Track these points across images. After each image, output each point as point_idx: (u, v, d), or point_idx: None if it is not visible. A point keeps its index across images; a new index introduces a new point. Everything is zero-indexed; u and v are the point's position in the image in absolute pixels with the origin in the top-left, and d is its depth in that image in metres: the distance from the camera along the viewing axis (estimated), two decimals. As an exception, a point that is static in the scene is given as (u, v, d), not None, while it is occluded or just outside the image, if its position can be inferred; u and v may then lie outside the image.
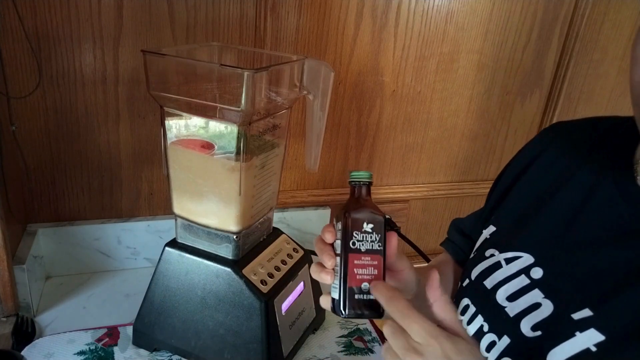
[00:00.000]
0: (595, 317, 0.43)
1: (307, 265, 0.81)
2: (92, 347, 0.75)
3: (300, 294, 0.78)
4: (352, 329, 0.86)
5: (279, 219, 1.05)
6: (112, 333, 0.78)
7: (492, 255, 0.56)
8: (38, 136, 0.84)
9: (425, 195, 1.19)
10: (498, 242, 0.57)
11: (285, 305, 0.73)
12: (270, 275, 0.72)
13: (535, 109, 1.21)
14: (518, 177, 0.62)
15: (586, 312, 0.44)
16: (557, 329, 0.45)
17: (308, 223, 1.09)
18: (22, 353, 0.71)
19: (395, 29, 0.99)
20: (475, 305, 0.55)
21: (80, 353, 0.74)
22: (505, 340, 0.49)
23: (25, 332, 0.76)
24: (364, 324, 0.88)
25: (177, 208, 0.73)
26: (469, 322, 0.54)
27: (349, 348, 0.81)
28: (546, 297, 0.48)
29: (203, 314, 0.70)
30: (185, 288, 0.71)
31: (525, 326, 0.48)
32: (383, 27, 0.98)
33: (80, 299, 0.87)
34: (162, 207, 0.97)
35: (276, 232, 0.81)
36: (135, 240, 0.95)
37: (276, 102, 0.69)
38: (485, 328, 0.52)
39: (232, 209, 0.68)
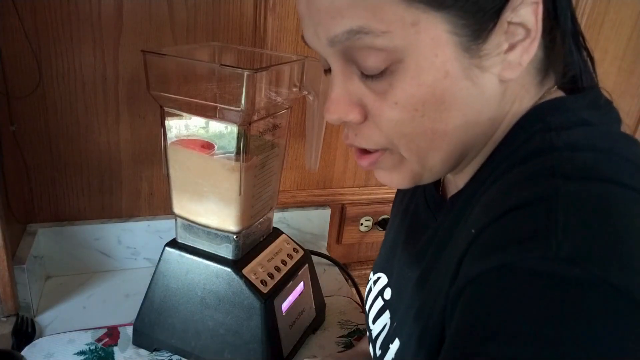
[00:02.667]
0: (397, 325, 0.45)
1: (307, 265, 0.81)
2: (92, 347, 0.75)
3: (300, 294, 0.78)
4: (352, 329, 0.86)
5: (279, 219, 1.05)
6: (112, 333, 0.78)
7: (370, 278, 0.58)
8: (38, 136, 0.84)
9: (425, 195, 1.19)
10: (375, 264, 0.59)
11: (285, 305, 0.73)
12: (270, 275, 0.72)
13: (535, 109, 1.21)
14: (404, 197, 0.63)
15: (395, 323, 0.46)
16: (385, 346, 0.47)
17: (308, 223, 1.09)
18: (22, 353, 0.71)
19: (395, 29, 0.99)
20: (369, 332, 0.55)
21: (80, 353, 0.74)
22: None
23: (25, 332, 0.76)
24: (364, 324, 0.88)
25: (177, 208, 0.73)
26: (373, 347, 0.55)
27: (349, 348, 0.81)
28: (391, 317, 0.49)
29: (203, 314, 0.70)
30: (185, 288, 0.71)
31: (377, 346, 0.49)
32: (383, 27, 0.98)
33: (80, 299, 0.87)
34: (162, 207, 0.97)
35: (276, 232, 0.81)
36: (135, 240, 0.95)
37: (276, 102, 0.70)
38: (376, 352, 0.52)
39: (232, 209, 0.68)
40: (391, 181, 0.42)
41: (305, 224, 1.09)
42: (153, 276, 0.73)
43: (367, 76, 0.36)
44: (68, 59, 0.81)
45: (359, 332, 0.86)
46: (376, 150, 0.40)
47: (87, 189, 0.91)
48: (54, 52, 0.80)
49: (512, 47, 0.35)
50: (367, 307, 0.55)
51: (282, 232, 0.82)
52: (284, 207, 1.07)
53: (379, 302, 0.52)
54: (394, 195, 1.15)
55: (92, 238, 0.92)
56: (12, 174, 0.82)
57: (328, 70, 0.41)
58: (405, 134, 0.37)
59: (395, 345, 0.44)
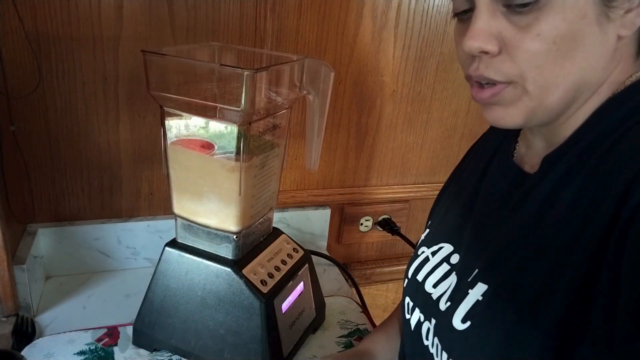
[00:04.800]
0: (480, 272, 0.49)
1: (307, 265, 0.81)
2: (92, 347, 0.75)
3: (300, 294, 0.78)
4: (352, 329, 0.86)
5: (279, 219, 1.05)
6: (112, 333, 0.78)
7: (423, 252, 0.61)
8: (38, 136, 0.84)
9: (425, 195, 1.19)
10: (428, 240, 0.62)
11: (285, 305, 0.73)
12: (270, 275, 0.72)
13: (535, 109, 1.21)
14: (451, 181, 0.68)
15: (475, 272, 0.49)
16: (457, 295, 0.50)
17: (308, 223, 1.09)
18: (22, 353, 0.71)
19: (395, 29, 0.99)
20: (412, 300, 0.59)
21: (80, 353, 0.74)
22: (433, 322, 0.54)
23: (25, 332, 0.76)
24: (364, 324, 0.88)
25: (177, 208, 0.73)
26: (411, 317, 0.59)
27: (349, 348, 0.81)
28: (455, 275, 0.53)
29: (203, 314, 0.70)
30: (185, 288, 0.71)
31: (442, 303, 0.53)
32: (383, 27, 0.98)
33: (80, 299, 0.87)
34: (162, 207, 0.97)
35: (276, 232, 0.81)
36: (135, 240, 0.95)
37: (276, 102, 0.70)
38: (422, 318, 0.56)
39: (232, 209, 0.68)
40: (505, 116, 0.46)
41: (305, 224, 1.09)
42: (153, 276, 0.73)
43: (513, 11, 0.41)
44: (68, 59, 0.81)
45: (359, 332, 0.86)
46: (500, 84, 0.44)
47: (87, 189, 0.91)
48: (54, 52, 0.80)
49: (629, 10, 0.41)
50: (422, 275, 0.58)
51: (282, 232, 0.82)
52: (284, 207, 1.07)
53: (444, 268, 0.56)
54: (394, 196, 1.15)
55: (92, 238, 0.92)
56: (12, 174, 0.82)
57: (460, 13, 0.46)
58: (537, 65, 0.41)
59: (478, 290, 0.48)
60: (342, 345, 0.82)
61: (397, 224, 1.17)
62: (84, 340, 0.76)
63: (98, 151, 0.88)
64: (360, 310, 0.92)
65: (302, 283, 0.79)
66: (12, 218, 0.80)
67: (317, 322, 0.84)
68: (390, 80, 1.04)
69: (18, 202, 0.85)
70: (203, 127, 0.68)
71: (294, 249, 0.80)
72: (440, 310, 0.53)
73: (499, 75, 0.43)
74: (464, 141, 1.17)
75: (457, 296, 0.51)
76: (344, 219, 1.14)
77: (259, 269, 0.72)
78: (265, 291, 0.69)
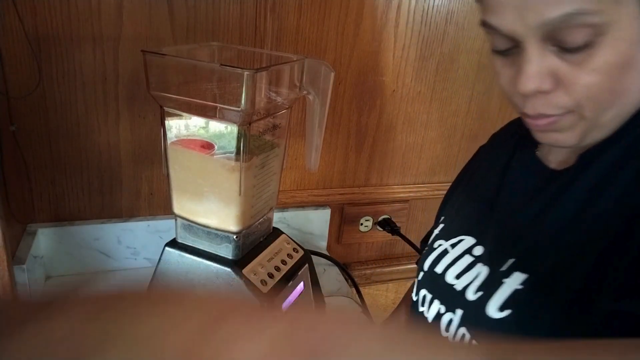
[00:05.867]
0: (517, 262, 0.49)
1: (307, 265, 0.80)
2: (92, 347, 0.75)
3: (300, 294, 0.77)
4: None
5: (279, 219, 1.05)
6: (112, 333, 0.78)
7: (440, 245, 0.62)
8: (38, 136, 0.84)
9: (425, 195, 1.19)
10: (445, 234, 0.63)
11: (285, 305, 0.73)
12: (270, 275, 0.72)
13: (535, 109, 1.21)
14: (464, 176, 0.70)
15: (510, 262, 0.50)
16: (491, 284, 0.51)
17: (308, 223, 1.09)
18: (22, 353, 0.71)
19: (395, 29, 0.99)
20: (430, 292, 0.60)
21: (80, 353, 0.74)
22: (459, 313, 0.54)
23: (25, 332, 0.76)
24: (364, 324, 0.88)
25: (177, 208, 0.73)
26: (429, 310, 0.59)
27: (349, 348, 0.81)
28: (484, 264, 0.54)
29: (203, 314, 0.70)
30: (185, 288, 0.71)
31: (470, 293, 0.53)
32: (383, 27, 0.98)
33: (80, 299, 0.87)
34: (162, 207, 0.97)
35: (276, 232, 0.81)
36: (135, 240, 0.95)
37: (276, 102, 0.70)
38: (442, 310, 0.57)
39: (232, 209, 0.68)
40: (561, 139, 0.47)
41: (305, 224, 1.09)
42: (153, 276, 0.73)
43: (566, 50, 0.42)
44: (68, 59, 0.81)
45: (359, 332, 0.85)
46: (556, 115, 0.46)
47: (87, 189, 0.91)
48: (54, 52, 0.80)
49: None
50: (441, 268, 0.59)
51: (282, 232, 0.82)
52: (284, 207, 1.07)
53: (467, 259, 0.57)
54: (394, 196, 1.15)
55: (92, 238, 0.92)
56: (12, 174, 0.82)
57: (502, 52, 0.47)
58: (593, 96, 0.43)
59: (515, 279, 0.48)
60: (342, 345, 0.82)
61: (397, 224, 1.17)
62: (84, 340, 0.76)
63: (98, 151, 0.88)
64: (360, 310, 0.92)
65: (302, 283, 0.79)
66: (12, 218, 0.80)
67: (317, 322, 0.84)
68: (390, 80, 1.04)
69: (18, 202, 0.85)
70: (203, 127, 0.68)
71: (294, 249, 0.80)
72: (468, 300, 0.53)
73: (557, 110, 0.45)
74: (464, 141, 1.17)
75: (489, 285, 0.51)
76: (344, 219, 1.14)
77: (259, 269, 0.72)
78: (265, 291, 0.69)
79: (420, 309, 0.61)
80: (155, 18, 0.83)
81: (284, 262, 0.76)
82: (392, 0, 0.96)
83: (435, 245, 0.63)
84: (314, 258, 0.88)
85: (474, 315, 0.52)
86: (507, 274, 0.49)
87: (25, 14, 0.76)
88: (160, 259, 0.73)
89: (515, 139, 0.60)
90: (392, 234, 1.16)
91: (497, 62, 0.48)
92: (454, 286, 0.56)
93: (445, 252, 0.60)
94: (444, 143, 1.16)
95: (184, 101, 0.65)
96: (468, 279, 0.55)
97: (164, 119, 0.68)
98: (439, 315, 0.57)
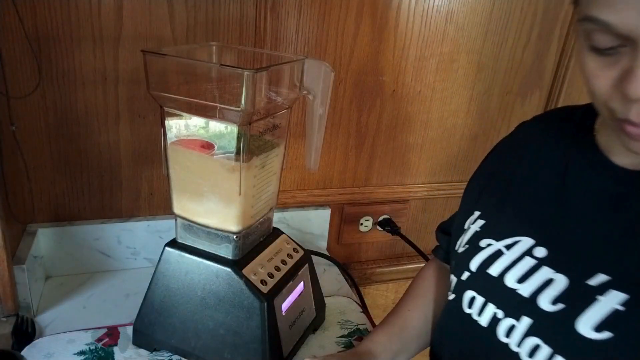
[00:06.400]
0: (613, 279, 0.46)
1: (307, 265, 0.81)
2: (92, 347, 0.75)
3: (300, 294, 0.78)
4: (352, 329, 0.86)
5: (279, 219, 1.05)
6: (112, 333, 0.78)
7: (489, 244, 0.58)
8: (38, 136, 0.84)
9: (425, 195, 1.20)
10: (492, 232, 0.59)
11: (285, 305, 0.73)
12: (270, 275, 0.72)
13: (535, 109, 1.21)
14: (497, 169, 0.65)
15: (601, 277, 0.47)
16: (577, 298, 0.47)
17: (308, 223, 1.09)
18: (22, 353, 0.71)
19: (395, 29, 0.99)
20: (482, 295, 0.56)
21: (80, 353, 0.74)
22: (526, 321, 0.50)
23: (25, 332, 0.76)
24: (364, 324, 0.88)
25: (177, 208, 0.73)
26: (480, 313, 0.55)
27: (349, 348, 0.81)
28: (557, 271, 0.50)
29: (203, 314, 0.70)
30: (185, 288, 0.71)
31: (544, 302, 0.50)
32: (383, 27, 0.98)
33: (80, 299, 0.87)
34: (162, 207, 0.97)
35: (276, 232, 0.81)
36: (135, 240, 0.95)
37: (276, 102, 0.70)
38: (500, 314, 0.53)
39: (232, 209, 0.68)
40: None
41: (305, 224, 1.09)
42: (153, 276, 0.73)
43: None
44: (68, 59, 0.81)
45: (359, 332, 0.86)
46: None
47: (87, 189, 0.91)
48: (54, 52, 0.80)
49: None
50: (497, 270, 0.55)
51: (282, 232, 0.82)
52: (284, 207, 1.07)
53: (528, 261, 0.53)
54: (394, 196, 1.15)
55: (92, 238, 0.92)
56: (12, 174, 0.82)
57: (602, 50, 0.42)
58: None
59: (613, 298, 0.45)
60: (342, 345, 0.82)
61: (397, 224, 1.17)
62: (84, 340, 0.76)
63: (98, 151, 0.88)
64: (360, 310, 0.92)
65: (302, 283, 0.79)
66: (12, 218, 0.80)
67: (317, 322, 0.84)
68: (390, 80, 1.04)
69: (18, 202, 0.85)
70: (203, 127, 0.68)
71: (294, 249, 0.80)
72: (542, 309, 0.50)
73: None
74: (464, 141, 1.17)
75: (575, 299, 0.48)
76: (344, 219, 1.14)
77: (259, 269, 0.72)
78: (265, 291, 0.69)
79: (467, 310, 0.57)
80: (155, 18, 0.83)
81: (284, 262, 0.76)
82: (392, 0, 0.96)
83: (482, 244, 0.59)
84: (314, 258, 0.88)
85: (556, 329, 0.48)
86: (601, 290, 0.46)
87: (25, 14, 0.76)
88: (160, 259, 0.73)
89: (567, 138, 0.57)
90: (392, 234, 1.16)
91: (593, 62, 0.44)
92: (517, 291, 0.52)
93: (499, 253, 0.56)
94: (444, 143, 1.16)
95: (184, 101, 0.65)
96: (535, 284, 0.51)
97: (164, 119, 0.68)
98: (495, 320, 0.54)
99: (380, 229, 1.17)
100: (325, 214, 1.10)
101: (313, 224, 1.10)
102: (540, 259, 0.53)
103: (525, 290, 0.52)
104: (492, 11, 1.05)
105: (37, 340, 0.75)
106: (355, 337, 0.84)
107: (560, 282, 0.50)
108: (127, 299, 0.88)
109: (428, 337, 0.72)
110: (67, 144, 0.86)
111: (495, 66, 1.11)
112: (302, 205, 1.08)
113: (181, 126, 0.69)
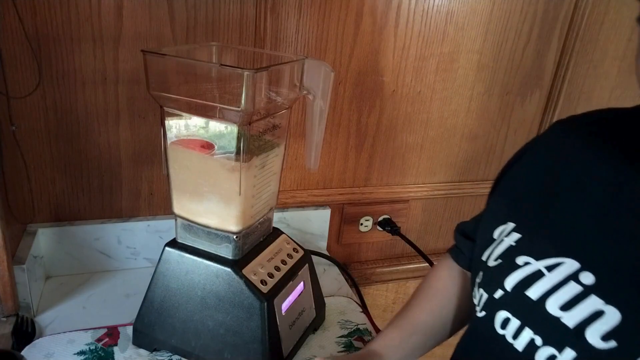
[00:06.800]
0: None
1: (307, 265, 0.81)
2: (92, 347, 0.75)
3: (300, 294, 0.78)
4: (352, 329, 0.86)
5: (279, 219, 1.05)
6: (112, 333, 0.78)
7: (527, 263, 0.53)
8: (38, 136, 0.84)
9: (425, 195, 1.20)
10: (530, 249, 0.54)
11: (285, 305, 0.73)
12: (270, 275, 0.72)
13: (535, 109, 1.21)
14: (534, 176, 0.59)
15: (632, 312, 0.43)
16: (633, 337, 0.43)
17: (308, 223, 1.09)
18: (22, 353, 0.71)
19: (395, 29, 0.99)
20: (519, 318, 0.52)
21: (80, 353, 0.74)
22: (570, 353, 0.46)
23: (25, 332, 0.76)
24: (364, 324, 0.88)
25: (177, 208, 0.73)
26: (515, 336, 0.51)
27: (349, 348, 0.81)
28: (608, 303, 0.45)
29: (203, 314, 0.70)
30: (185, 288, 0.71)
31: (593, 337, 0.45)
32: (383, 27, 0.98)
33: (80, 299, 0.87)
34: (162, 207, 0.97)
35: (276, 232, 0.81)
36: (135, 240, 0.95)
37: (276, 102, 0.69)
38: (538, 341, 0.49)
39: (232, 209, 0.68)
40: None
41: (305, 224, 1.09)
42: (153, 276, 0.73)
43: None
44: (68, 59, 0.81)
45: (359, 332, 0.86)
46: None
47: (87, 189, 0.91)
48: (54, 52, 0.80)
49: None
50: (537, 293, 0.50)
51: (282, 232, 0.82)
52: (284, 207, 1.07)
53: (573, 287, 0.48)
54: (394, 196, 1.15)
55: (92, 238, 0.92)
56: (12, 174, 0.82)
57: None
58: None
59: None
60: (342, 345, 0.82)
61: (397, 224, 1.17)
62: (84, 340, 0.76)
63: (98, 151, 0.88)
64: (360, 310, 0.92)
65: (302, 283, 0.79)
66: (12, 218, 0.80)
67: (317, 322, 0.84)
68: (390, 80, 1.04)
69: (18, 202, 0.85)
70: (203, 127, 0.68)
71: (294, 249, 0.81)
72: (590, 344, 0.45)
73: None
74: (464, 141, 1.17)
75: (630, 339, 0.43)
76: (344, 219, 1.14)
77: (259, 269, 0.72)
78: (265, 291, 0.69)
79: (500, 331, 0.53)
80: (155, 18, 0.83)
81: (284, 262, 0.76)
82: (392, 0, 0.96)
83: (520, 262, 0.53)
84: (314, 258, 0.88)
85: None
86: None
87: (25, 14, 0.76)
88: (160, 259, 0.73)
89: (619, 150, 0.52)
90: (392, 234, 1.16)
91: None
92: (561, 319, 0.47)
93: (539, 275, 0.51)
94: (444, 143, 1.16)
95: (184, 101, 0.65)
96: (581, 314, 0.46)
97: (164, 119, 0.68)
98: (533, 346, 0.49)
99: (380, 229, 1.17)
100: (325, 214, 1.10)
101: (313, 224, 1.10)
102: (587, 286, 0.47)
103: (570, 319, 0.47)
104: (492, 11, 1.05)
105: (37, 340, 0.75)
106: (355, 337, 0.84)
107: (612, 316, 0.44)
108: (127, 299, 0.88)
109: (443, 337, 0.69)
110: (67, 144, 0.86)
111: (495, 66, 1.11)
112: (302, 205, 1.09)
113: (181, 126, 0.69)
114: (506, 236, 0.57)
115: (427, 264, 1.11)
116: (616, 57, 1.19)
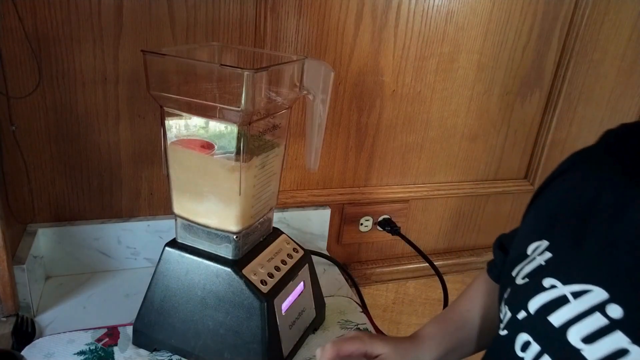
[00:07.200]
0: None
1: (307, 265, 0.81)
2: (92, 347, 0.75)
3: (300, 294, 0.78)
4: (352, 329, 0.86)
5: (279, 219, 1.05)
6: (112, 333, 0.78)
7: (554, 286, 0.50)
8: (38, 136, 0.84)
9: (425, 195, 1.19)
10: (558, 271, 0.50)
11: (285, 305, 0.73)
12: (270, 275, 0.72)
13: (535, 109, 1.21)
14: (574, 192, 0.56)
15: None
16: None
17: (308, 223, 1.09)
18: (22, 353, 0.71)
19: (395, 29, 0.99)
20: (539, 344, 0.49)
21: (80, 353, 0.74)
22: None
23: (25, 332, 0.76)
24: (364, 324, 0.88)
25: (177, 208, 0.73)
26: None
27: (349, 348, 0.81)
28: (634, 342, 0.42)
29: (203, 314, 0.70)
30: (185, 288, 0.71)
31: None
32: (383, 27, 0.98)
33: (80, 299, 0.87)
34: (162, 207, 0.97)
35: (276, 232, 0.81)
36: (135, 240, 0.95)
37: (276, 102, 0.70)
38: None
39: (232, 209, 0.68)
40: None
41: (305, 224, 1.09)
42: (153, 276, 0.73)
43: None
44: (68, 59, 0.81)
45: (359, 332, 0.86)
46: None
47: (87, 189, 0.91)
48: (54, 52, 0.80)
49: None
50: (560, 320, 0.48)
51: (282, 232, 0.82)
52: (284, 207, 1.07)
53: (598, 319, 0.45)
54: (394, 196, 1.15)
55: (92, 238, 0.92)
56: (12, 174, 0.82)
57: None
58: None
59: None
60: (342, 345, 0.82)
61: (397, 224, 1.17)
62: (84, 340, 0.76)
63: (98, 151, 0.88)
64: (360, 310, 0.92)
65: (302, 283, 0.79)
66: (12, 218, 0.80)
67: (317, 322, 0.84)
68: (390, 80, 1.04)
69: (18, 202, 0.85)
70: (203, 127, 0.68)
71: (294, 249, 0.81)
72: None
73: None
74: (464, 141, 1.17)
75: None
76: (344, 219, 1.14)
77: (259, 269, 0.72)
78: (265, 291, 0.69)
79: (520, 354, 0.50)
80: (155, 18, 0.83)
81: (284, 262, 0.76)
82: (392, 0, 0.97)
83: (546, 284, 0.50)
84: (314, 258, 0.88)
85: None
86: None
87: (25, 14, 0.76)
88: (160, 259, 0.73)
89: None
90: (392, 234, 1.16)
91: None
92: (582, 352, 0.44)
93: (564, 300, 0.48)
94: (444, 143, 1.16)
95: (184, 101, 0.65)
96: (604, 351, 0.43)
97: (164, 119, 0.68)
98: None
99: (380, 229, 1.17)
100: (325, 214, 1.10)
101: (313, 224, 1.10)
102: (614, 320, 0.43)
103: (591, 354, 0.44)
104: (492, 11, 1.05)
105: (37, 340, 0.75)
106: (355, 337, 0.84)
107: (637, 357, 0.41)
108: (127, 299, 0.88)
109: (486, 339, 0.67)
110: (67, 144, 0.86)
111: (495, 66, 1.11)
112: (302, 205, 1.08)
113: (181, 126, 0.69)
114: (539, 254, 0.54)
115: (427, 264, 1.10)
116: (616, 57, 1.19)
